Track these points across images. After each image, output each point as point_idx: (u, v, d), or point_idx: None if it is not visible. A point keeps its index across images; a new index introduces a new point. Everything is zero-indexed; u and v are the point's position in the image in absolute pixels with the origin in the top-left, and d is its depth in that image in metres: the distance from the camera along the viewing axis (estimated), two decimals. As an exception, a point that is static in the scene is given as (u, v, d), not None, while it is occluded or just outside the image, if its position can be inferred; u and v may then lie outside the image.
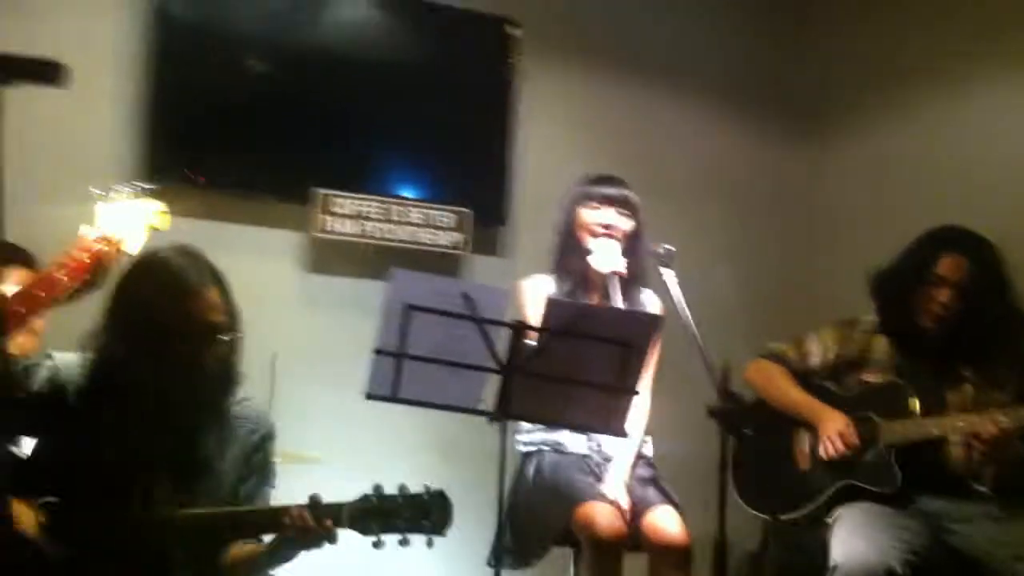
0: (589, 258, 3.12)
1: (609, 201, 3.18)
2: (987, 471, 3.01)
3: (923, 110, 3.91)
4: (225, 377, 2.38)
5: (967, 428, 2.90)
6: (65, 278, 2.30)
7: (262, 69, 3.68)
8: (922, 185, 3.84)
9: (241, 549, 2.34)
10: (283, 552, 2.30)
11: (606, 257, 3.09)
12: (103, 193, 2.42)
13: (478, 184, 3.91)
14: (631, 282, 3.17)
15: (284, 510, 2.25)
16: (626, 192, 3.22)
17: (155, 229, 2.44)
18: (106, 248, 2.36)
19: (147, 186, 2.50)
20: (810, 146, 4.40)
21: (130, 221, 2.40)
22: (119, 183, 2.47)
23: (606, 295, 3.07)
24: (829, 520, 3.04)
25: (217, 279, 2.36)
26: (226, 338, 2.33)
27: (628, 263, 3.12)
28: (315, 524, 2.20)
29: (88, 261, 2.33)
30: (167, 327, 2.27)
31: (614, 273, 3.07)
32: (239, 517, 2.29)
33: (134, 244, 2.41)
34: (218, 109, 3.58)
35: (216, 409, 2.37)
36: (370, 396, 2.38)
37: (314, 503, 2.24)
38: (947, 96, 3.80)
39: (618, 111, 4.16)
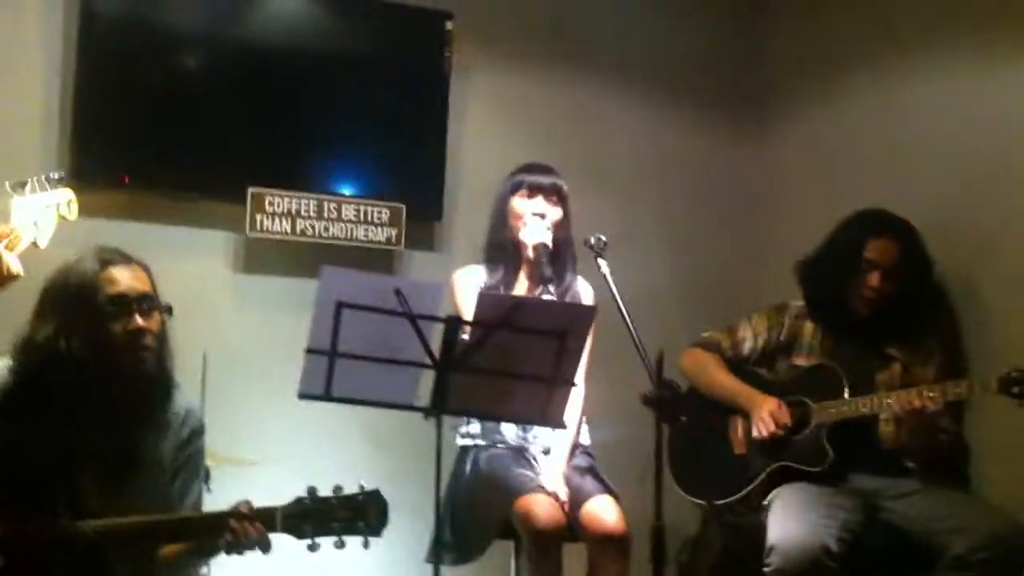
0: (520, 235, 3.16)
1: (539, 189, 3.21)
2: (917, 447, 3.07)
3: (859, 98, 3.96)
4: (155, 373, 2.35)
5: (896, 405, 2.96)
6: None
7: (193, 65, 3.62)
8: (858, 172, 3.89)
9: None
10: (212, 552, 2.28)
11: (534, 231, 3.13)
12: (17, 186, 2.38)
13: (413, 179, 3.88)
14: (562, 268, 3.20)
15: (222, 518, 2.23)
16: (555, 180, 3.25)
17: (63, 219, 2.41)
18: (10, 238, 2.33)
19: (57, 175, 2.46)
20: (748, 135, 4.43)
21: (40, 211, 2.37)
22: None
23: (536, 277, 3.09)
24: (765, 503, 3.09)
25: (139, 263, 2.37)
26: (156, 304, 2.32)
27: (558, 249, 3.15)
28: (251, 530, 2.19)
29: None
30: (90, 310, 2.27)
31: (543, 246, 3.10)
32: (176, 525, 2.27)
33: (44, 233, 2.38)
34: (147, 107, 3.51)
35: (146, 406, 2.35)
36: (303, 396, 2.36)
37: (246, 509, 2.22)
38: (882, 85, 3.85)
39: (555, 103, 4.16)
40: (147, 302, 2.34)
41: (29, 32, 3.42)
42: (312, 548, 2.23)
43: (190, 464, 2.43)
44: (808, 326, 3.33)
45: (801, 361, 3.30)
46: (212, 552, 2.32)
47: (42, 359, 2.28)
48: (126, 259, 2.38)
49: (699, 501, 3.27)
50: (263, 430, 3.40)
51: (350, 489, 2.28)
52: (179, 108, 3.56)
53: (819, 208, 3.41)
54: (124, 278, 2.33)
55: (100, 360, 2.28)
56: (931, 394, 2.90)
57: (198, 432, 2.46)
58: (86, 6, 3.43)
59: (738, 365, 3.39)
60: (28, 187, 2.39)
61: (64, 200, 2.42)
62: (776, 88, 4.40)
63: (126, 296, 2.32)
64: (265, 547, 2.22)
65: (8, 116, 3.38)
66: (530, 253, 3.14)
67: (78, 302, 2.30)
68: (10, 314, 2.36)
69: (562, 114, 4.17)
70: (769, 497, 3.09)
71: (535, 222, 3.17)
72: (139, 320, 2.31)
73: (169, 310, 2.38)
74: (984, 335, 3.31)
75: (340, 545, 2.24)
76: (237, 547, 2.22)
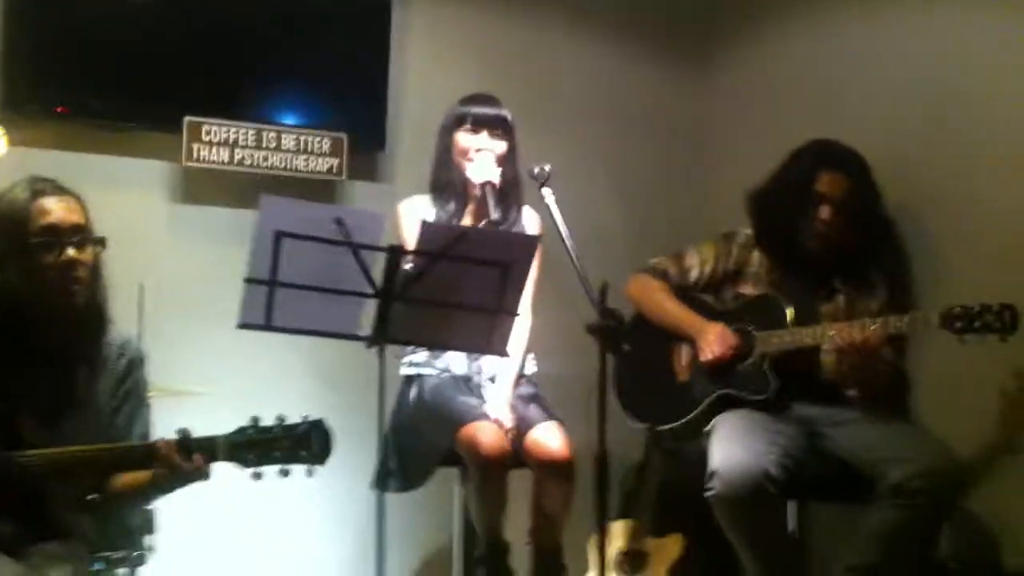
0: (467, 172, 3.13)
1: (483, 123, 3.17)
2: (858, 378, 3.10)
3: (806, 30, 3.94)
4: (88, 306, 2.31)
5: (838, 337, 2.97)
6: None
7: (128, -6, 3.52)
8: (805, 105, 3.89)
9: (128, 477, 2.30)
10: (159, 487, 2.26)
11: (481, 169, 3.10)
12: None
13: (356, 109, 3.79)
14: (508, 198, 3.18)
15: (152, 447, 2.21)
16: (499, 111, 3.21)
17: None
18: None
19: None
20: (694, 68, 4.41)
21: None
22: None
23: (483, 214, 3.07)
24: (707, 429, 3.12)
25: (72, 194, 2.32)
26: (88, 236, 2.28)
27: (504, 180, 3.13)
28: (184, 461, 2.17)
29: None
30: (21, 242, 2.22)
31: (489, 184, 3.07)
32: (107, 456, 2.23)
33: None
34: (80, 36, 3.38)
35: (80, 339, 2.31)
36: (243, 325, 2.33)
37: (184, 438, 2.20)
38: (829, 16, 3.84)
39: (500, 34, 4.10)
40: (79, 234, 2.29)
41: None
42: (256, 477, 2.22)
43: (132, 396, 2.41)
44: (755, 255, 3.34)
45: (747, 290, 3.31)
46: (160, 490, 2.29)
47: None
48: (59, 190, 2.32)
49: (642, 426, 3.30)
50: (203, 362, 3.36)
51: (292, 419, 2.26)
52: (114, 37, 3.44)
53: (764, 141, 3.42)
54: (56, 209, 2.28)
55: (31, 293, 2.23)
56: (873, 326, 2.92)
57: (137, 363, 2.44)
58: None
59: (684, 292, 3.39)
60: None
61: None
62: (722, 21, 4.37)
63: (57, 228, 2.27)
64: (204, 477, 2.21)
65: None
66: (477, 191, 3.10)
67: (7, 234, 2.24)
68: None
69: (507, 45, 4.12)
70: (711, 423, 3.13)
71: (481, 158, 3.13)
72: (71, 252, 2.26)
73: (103, 242, 2.33)
74: (931, 270, 3.34)
75: (284, 474, 2.24)
76: (174, 478, 2.20)
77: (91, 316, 2.33)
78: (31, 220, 2.25)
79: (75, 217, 2.30)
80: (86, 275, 2.29)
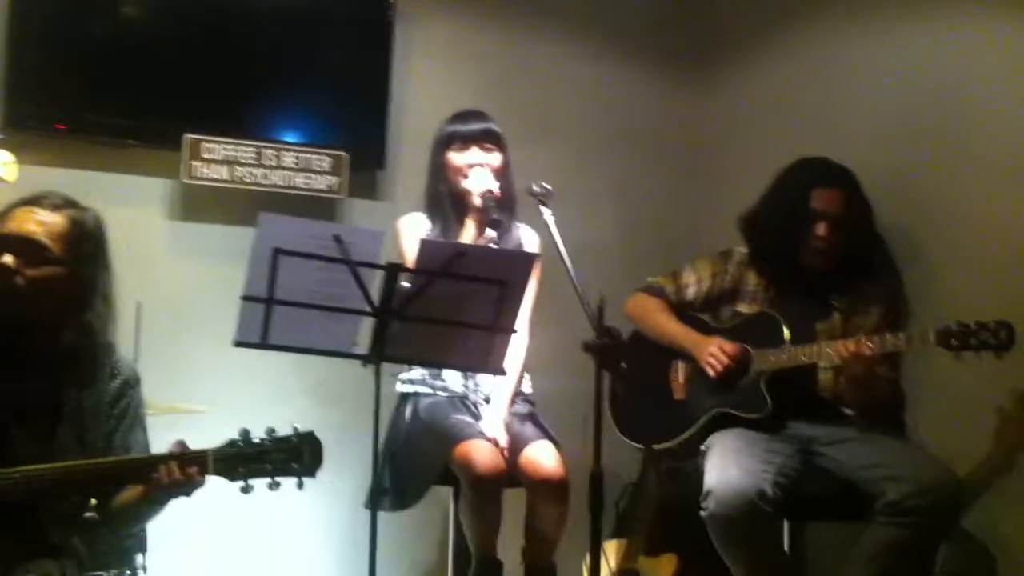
0: (464, 185, 3.14)
1: (472, 139, 3.19)
2: (855, 395, 3.10)
3: (803, 47, 3.97)
4: (84, 322, 2.31)
5: (835, 355, 2.97)
6: None
7: (129, 11, 3.52)
8: (802, 122, 3.91)
9: (124, 495, 2.29)
10: (154, 501, 2.26)
11: (478, 181, 3.12)
12: None
13: (356, 127, 3.82)
14: (504, 212, 3.19)
15: (151, 462, 2.21)
16: (488, 125, 3.23)
17: (3, 181, 2.35)
18: None
19: None
20: (693, 86, 4.43)
21: None
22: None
23: (484, 223, 3.08)
24: (703, 448, 3.12)
25: (65, 210, 2.30)
26: (38, 253, 2.24)
27: (500, 191, 3.14)
28: (180, 473, 2.17)
29: None
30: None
31: (488, 191, 3.08)
32: (100, 470, 2.23)
33: None
34: (82, 53, 3.42)
35: (74, 355, 2.31)
36: (239, 343, 2.34)
37: (180, 450, 2.20)
38: (827, 34, 3.86)
39: (500, 51, 4.12)
40: (30, 247, 2.24)
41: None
42: (245, 490, 2.22)
43: (127, 416, 2.39)
44: (752, 274, 3.34)
45: (744, 308, 3.32)
46: (155, 503, 2.29)
47: None
48: (54, 207, 2.29)
49: (638, 446, 3.30)
50: (200, 379, 3.37)
51: (283, 432, 2.27)
52: (115, 54, 3.47)
53: (765, 159, 3.42)
54: (20, 219, 2.25)
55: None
56: (869, 344, 2.91)
57: (131, 383, 2.42)
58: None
59: (682, 311, 3.40)
60: None
61: (2, 162, 2.36)
62: (723, 40, 4.40)
63: (5, 236, 2.24)
64: (198, 485, 2.21)
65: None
66: (477, 201, 3.11)
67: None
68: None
69: (508, 62, 4.14)
70: (707, 442, 3.12)
71: (477, 172, 3.14)
72: (6, 258, 2.22)
73: (57, 262, 2.26)
74: (926, 285, 3.34)
75: (274, 486, 2.23)
76: (170, 491, 2.20)
77: (81, 334, 2.32)
78: (32, 220, 2.25)
79: (33, 228, 2.25)
80: (21, 284, 2.23)
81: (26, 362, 2.27)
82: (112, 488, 2.28)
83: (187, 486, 2.19)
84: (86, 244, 2.33)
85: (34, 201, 2.30)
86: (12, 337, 2.25)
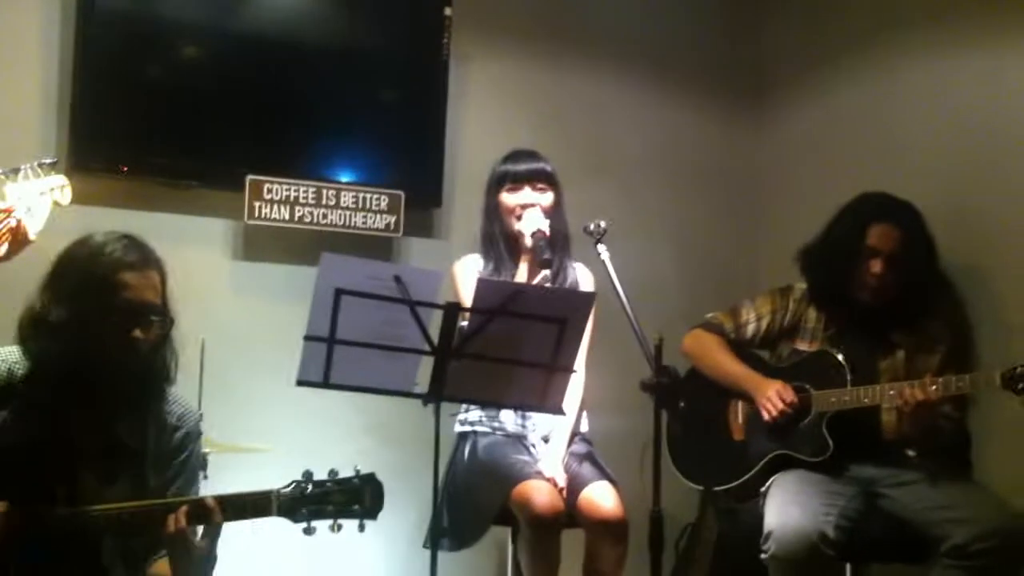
0: (516, 226, 3.16)
1: (524, 179, 3.21)
2: (919, 437, 3.05)
3: (858, 84, 3.95)
4: (155, 366, 2.34)
5: (898, 396, 2.93)
6: None
7: (192, 53, 3.60)
8: (859, 158, 3.89)
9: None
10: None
11: (530, 222, 3.13)
12: (10, 172, 2.36)
13: (412, 166, 3.86)
14: (557, 251, 3.19)
15: (201, 502, 2.21)
16: (540, 164, 3.24)
17: (57, 204, 2.39)
18: (7, 220, 2.29)
19: (50, 161, 2.44)
20: (748, 120, 4.43)
21: (34, 198, 2.34)
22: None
23: (536, 264, 3.09)
24: (763, 489, 3.08)
25: (154, 261, 2.33)
26: (158, 319, 2.28)
27: (553, 229, 3.15)
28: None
29: None
30: (100, 306, 2.22)
31: (539, 231, 3.09)
32: (159, 511, 2.21)
33: (38, 220, 2.34)
34: (145, 95, 3.49)
35: (143, 398, 2.33)
36: (301, 383, 2.36)
37: (233, 495, 2.20)
38: (881, 70, 3.84)
39: (555, 89, 4.15)
40: (151, 313, 2.28)
41: (29, 19, 3.40)
42: (308, 532, 2.23)
43: (186, 470, 2.39)
44: (812, 310, 3.30)
45: (804, 346, 3.28)
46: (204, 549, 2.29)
47: (51, 345, 2.24)
48: (145, 262, 2.30)
49: (698, 487, 3.27)
50: (262, 417, 3.40)
51: (346, 473, 2.27)
52: (177, 96, 3.54)
53: (819, 194, 3.40)
54: (136, 285, 2.26)
55: (90, 352, 2.25)
56: (933, 387, 2.87)
57: (193, 436, 2.42)
58: (85, -3, 3.41)
59: (740, 348, 3.36)
60: (21, 174, 2.37)
61: (58, 185, 2.40)
62: (775, 75, 4.40)
63: (131, 305, 2.25)
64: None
65: (7, 105, 3.36)
66: (528, 241, 3.13)
67: (81, 292, 2.24)
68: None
69: (561, 101, 4.16)
70: (767, 483, 3.09)
71: (529, 213, 3.16)
72: (136, 333, 2.25)
73: (171, 323, 2.32)
74: (992, 322, 3.30)
75: (336, 529, 2.24)
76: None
77: (152, 377, 2.34)
78: (109, 290, 2.24)
79: (150, 295, 2.28)
80: (147, 349, 2.28)
81: (113, 407, 2.30)
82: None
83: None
84: (169, 291, 2.36)
85: (131, 263, 2.27)
86: (111, 388, 2.28)
